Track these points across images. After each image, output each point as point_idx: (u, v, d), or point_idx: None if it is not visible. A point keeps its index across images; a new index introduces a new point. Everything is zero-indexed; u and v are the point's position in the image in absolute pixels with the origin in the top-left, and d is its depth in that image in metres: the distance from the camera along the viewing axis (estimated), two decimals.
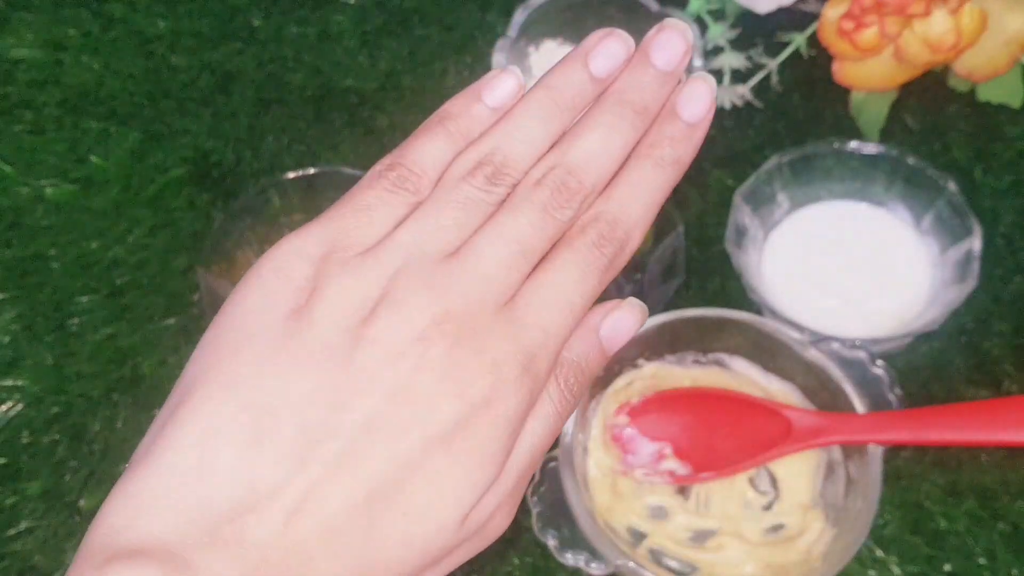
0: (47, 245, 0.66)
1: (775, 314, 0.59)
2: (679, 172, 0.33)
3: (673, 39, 0.33)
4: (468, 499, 0.30)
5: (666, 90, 0.33)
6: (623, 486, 0.55)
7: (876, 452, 0.51)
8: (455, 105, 0.33)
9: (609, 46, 0.33)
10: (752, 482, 0.55)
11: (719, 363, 0.57)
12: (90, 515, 0.58)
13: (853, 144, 0.63)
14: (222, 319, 0.31)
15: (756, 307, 0.61)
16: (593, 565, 0.52)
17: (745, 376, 0.57)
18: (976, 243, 0.59)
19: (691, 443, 0.55)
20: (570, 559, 0.52)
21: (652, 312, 0.57)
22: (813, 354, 0.54)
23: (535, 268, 0.31)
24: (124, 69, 0.73)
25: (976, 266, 0.59)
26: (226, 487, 0.28)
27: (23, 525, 0.58)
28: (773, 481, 0.55)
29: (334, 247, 0.31)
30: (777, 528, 0.54)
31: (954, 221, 0.61)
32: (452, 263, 0.30)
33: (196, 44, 0.74)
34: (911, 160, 0.62)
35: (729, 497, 0.55)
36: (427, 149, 0.32)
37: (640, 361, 0.57)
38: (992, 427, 0.53)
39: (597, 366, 0.33)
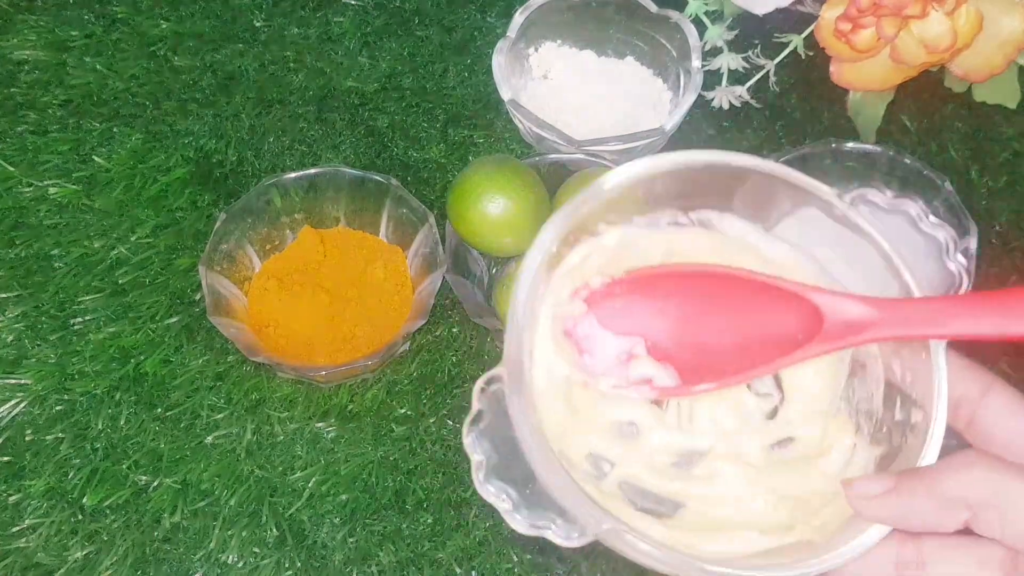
0: (51, 244, 0.67)
1: None
2: None
3: None
4: None
5: None
6: (579, 399, 0.38)
7: (939, 346, 0.36)
8: None
9: None
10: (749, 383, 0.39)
11: (705, 224, 0.40)
12: (93, 512, 0.58)
13: (850, 144, 0.63)
14: None
15: None
16: (562, 532, 0.35)
17: (740, 241, 0.40)
18: (972, 242, 0.59)
19: (673, 339, 0.39)
20: (523, 525, 0.36)
21: None
22: (843, 209, 0.38)
23: None
24: (127, 70, 0.74)
25: (972, 265, 0.59)
26: None
27: (26, 522, 0.58)
28: (776, 378, 0.39)
29: None
30: (785, 442, 0.38)
31: (951, 221, 0.61)
32: None
33: (198, 45, 0.75)
34: (908, 160, 0.62)
35: (720, 404, 0.39)
36: None
37: (600, 227, 0.39)
38: None
39: None
